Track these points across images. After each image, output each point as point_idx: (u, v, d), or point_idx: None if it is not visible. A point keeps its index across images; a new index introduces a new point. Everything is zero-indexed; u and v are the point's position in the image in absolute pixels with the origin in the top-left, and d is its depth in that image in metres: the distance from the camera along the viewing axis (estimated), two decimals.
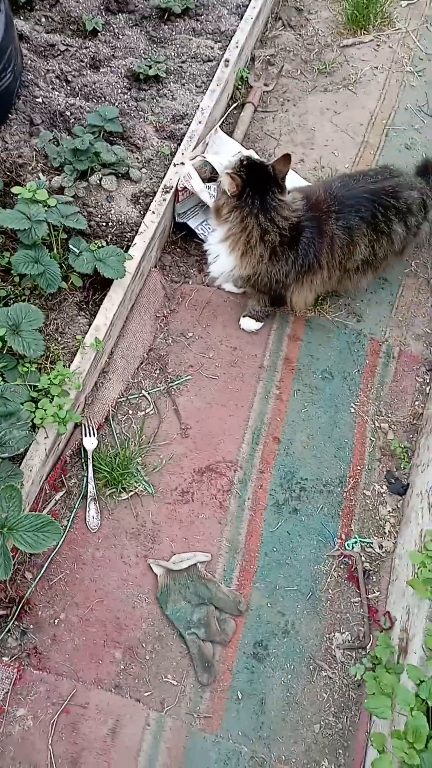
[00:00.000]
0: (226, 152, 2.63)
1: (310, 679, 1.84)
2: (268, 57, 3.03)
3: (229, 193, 1.97)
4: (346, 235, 2.15)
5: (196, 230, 2.47)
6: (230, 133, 2.74)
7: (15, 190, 2.02)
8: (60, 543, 1.92)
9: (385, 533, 2.08)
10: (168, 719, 1.73)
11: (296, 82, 3.02)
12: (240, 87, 2.87)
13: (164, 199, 2.31)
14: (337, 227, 2.13)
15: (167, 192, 2.33)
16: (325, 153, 2.81)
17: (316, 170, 2.76)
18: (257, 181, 1.98)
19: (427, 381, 2.36)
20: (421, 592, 1.67)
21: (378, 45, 3.18)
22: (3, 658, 1.75)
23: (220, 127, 2.69)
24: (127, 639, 1.82)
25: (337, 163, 2.77)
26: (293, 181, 2.65)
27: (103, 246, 2.14)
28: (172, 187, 2.34)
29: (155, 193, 2.35)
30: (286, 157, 1.98)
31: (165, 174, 2.39)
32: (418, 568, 1.70)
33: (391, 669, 1.71)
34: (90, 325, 2.08)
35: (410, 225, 2.25)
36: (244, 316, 2.35)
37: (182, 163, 2.38)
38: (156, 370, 2.27)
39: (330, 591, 1.97)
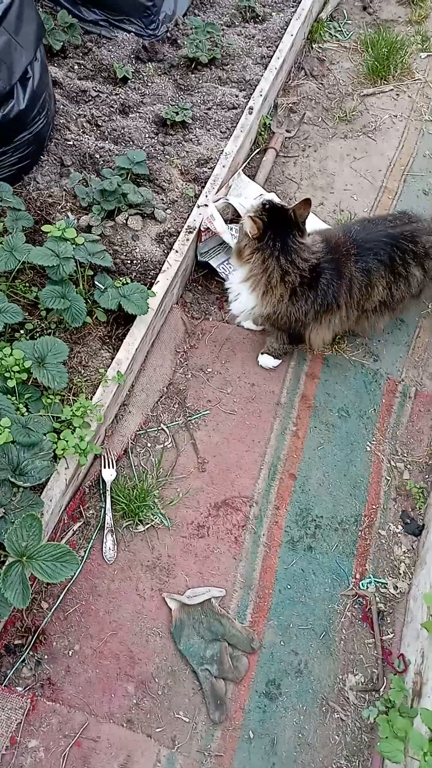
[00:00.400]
0: (248, 195, 2.72)
1: (322, 721, 1.82)
2: (290, 105, 3.14)
3: (251, 236, 2.03)
4: (365, 277, 2.20)
5: (218, 269, 2.54)
6: (252, 177, 2.83)
7: (45, 228, 2.11)
8: (76, 574, 1.94)
9: (400, 574, 2.08)
10: (179, 756, 1.72)
11: (317, 129, 3.12)
12: (263, 133, 2.98)
13: (187, 239, 2.39)
14: (356, 269, 2.19)
15: (190, 232, 2.41)
16: (344, 197, 2.89)
17: (336, 213, 2.83)
18: (278, 224, 2.05)
19: None
20: None
21: (397, 94, 3.29)
22: (17, 688, 1.75)
23: (243, 170, 2.79)
24: (140, 673, 1.82)
25: (356, 207, 2.84)
26: (313, 223, 2.72)
27: (127, 283, 2.21)
28: (196, 227, 2.42)
29: (179, 233, 2.43)
30: (307, 202, 2.05)
31: (189, 215, 2.48)
32: None
33: (405, 712, 1.70)
34: (112, 359, 2.14)
35: (428, 269, 2.30)
36: (262, 353, 2.40)
37: (206, 205, 2.46)
38: (175, 404, 2.31)
39: (344, 631, 1.96)
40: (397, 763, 1.55)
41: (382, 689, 1.88)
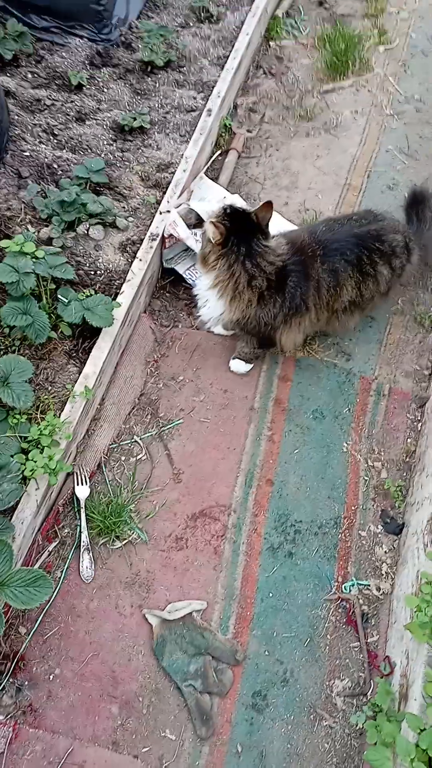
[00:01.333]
0: (211, 198, 2.69)
1: (310, 729, 1.80)
2: (250, 104, 3.11)
3: (213, 242, 2.00)
4: (333, 278, 2.18)
5: (184, 275, 2.51)
6: (215, 179, 2.80)
7: (2, 243, 2.06)
8: (54, 595, 1.89)
9: (383, 574, 2.07)
10: None
11: (278, 127, 3.10)
12: (224, 134, 2.95)
13: (151, 247, 2.35)
14: (323, 270, 2.17)
15: (154, 239, 2.37)
16: (309, 196, 2.87)
17: (301, 212, 2.81)
18: (241, 229, 2.02)
19: (418, 418, 2.37)
20: (418, 637, 1.65)
21: (357, 90, 3.28)
22: None
23: (205, 173, 2.75)
24: (123, 693, 1.79)
25: (320, 205, 2.82)
26: (278, 224, 2.70)
27: (91, 295, 2.17)
28: (159, 234, 2.39)
29: (142, 240, 2.39)
30: (268, 204, 2.03)
31: (151, 222, 2.44)
32: (415, 612, 1.68)
33: (392, 717, 1.68)
34: (80, 374, 2.10)
35: (395, 267, 2.29)
36: (233, 358, 2.37)
37: (168, 211, 2.43)
38: (147, 415, 2.27)
39: (328, 636, 1.94)
40: None
41: (369, 693, 1.87)
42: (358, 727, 1.80)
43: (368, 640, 1.95)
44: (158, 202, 2.50)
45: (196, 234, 2.47)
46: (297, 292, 2.14)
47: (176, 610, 1.89)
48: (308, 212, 2.80)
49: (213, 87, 2.89)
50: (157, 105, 2.84)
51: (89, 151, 2.63)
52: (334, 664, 1.90)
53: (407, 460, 2.28)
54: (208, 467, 2.18)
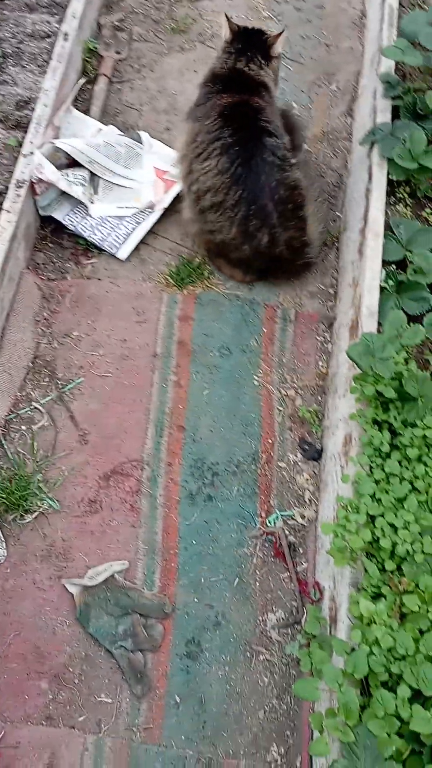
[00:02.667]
0: (84, 133, 2.48)
1: (248, 667, 1.80)
2: (116, 23, 2.84)
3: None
4: None
5: (64, 221, 2.32)
6: (86, 111, 2.57)
7: None
8: None
9: (306, 502, 2.05)
10: (107, 739, 1.66)
11: (150, 45, 2.85)
12: (90, 59, 2.69)
13: (18, 195, 2.15)
14: None
15: (20, 187, 2.17)
16: None
17: None
18: (249, 43, 2.20)
19: (328, 339, 2.31)
20: (338, 561, 1.63)
21: None
22: None
23: (72, 105, 2.52)
24: (51, 667, 1.74)
25: (179, 121, 2.62)
26: (161, 152, 2.52)
27: None
28: (26, 180, 2.18)
29: (8, 190, 2.18)
30: (280, 34, 2.20)
31: (15, 168, 2.22)
32: (332, 538, 1.66)
33: (324, 642, 1.68)
34: None
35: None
36: None
37: (31, 153, 2.21)
38: (45, 378, 2.14)
39: (257, 572, 1.92)
40: (315, 700, 1.53)
41: (303, 621, 1.87)
42: (294, 657, 1.81)
43: (298, 569, 1.94)
44: (21, 144, 2.27)
45: (68, 175, 2.28)
46: None
47: (97, 575, 1.83)
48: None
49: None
50: (8, 35, 2.55)
51: None
52: (265, 598, 1.89)
53: (321, 383, 2.23)
54: (115, 423, 2.08)
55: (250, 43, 2.20)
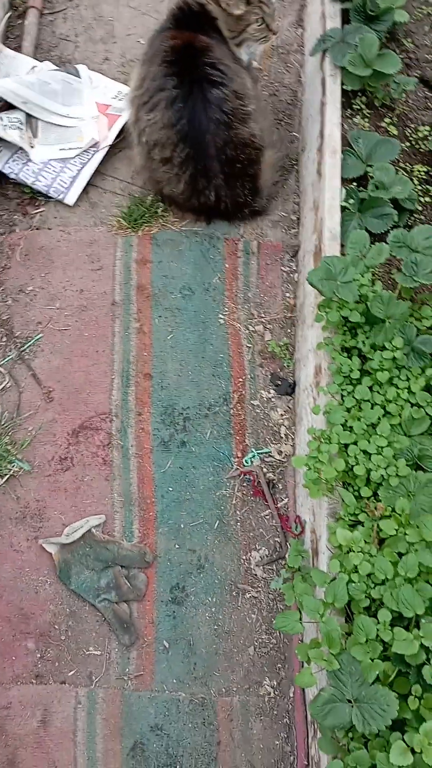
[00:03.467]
0: (17, 71, 2.31)
1: (235, 606, 1.80)
2: None
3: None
4: None
5: (5, 170, 2.19)
6: (17, 48, 2.39)
7: None
8: None
9: (282, 438, 2.00)
10: (99, 690, 1.67)
11: None
12: None
13: None
14: None
15: None
16: (130, 44, 2.50)
17: (125, 66, 2.46)
18: None
19: (294, 269, 2.22)
20: (313, 494, 1.60)
21: None
22: None
23: (3, 44, 2.35)
24: (37, 626, 1.73)
25: (139, 55, 2.45)
26: (103, 84, 2.36)
27: None
28: None
29: None
30: None
31: None
32: (305, 471, 1.62)
33: (307, 575, 1.67)
34: None
35: None
36: None
37: None
38: (2, 337, 2.06)
39: (238, 513, 1.90)
40: (298, 633, 1.52)
41: (286, 556, 1.86)
42: (280, 591, 1.80)
43: (278, 505, 1.92)
44: None
45: (2, 119, 2.14)
46: None
47: (74, 532, 1.80)
48: (133, 63, 2.44)
49: None
50: None
51: None
52: (248, 537, 1.87)
53: (290, 315, 2.15)
54: (80, 378, 2.01)
55: None
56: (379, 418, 1.61)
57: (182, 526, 1.86)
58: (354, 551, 1.45)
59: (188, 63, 1.92)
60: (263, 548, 1.87)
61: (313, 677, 1.42)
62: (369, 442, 1.58)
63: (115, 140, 2.27)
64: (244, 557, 1.85)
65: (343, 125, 2.04)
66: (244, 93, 1.98)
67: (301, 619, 1.50)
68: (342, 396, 1.67)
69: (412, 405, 1.61)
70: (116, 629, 1.73)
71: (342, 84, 2.08)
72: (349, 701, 1.29)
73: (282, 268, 2.21)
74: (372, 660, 1.35)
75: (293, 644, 1.75)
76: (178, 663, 1.72)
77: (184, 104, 1.91)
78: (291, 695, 1.70)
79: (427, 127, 2.06)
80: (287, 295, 2.17)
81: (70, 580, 1.76)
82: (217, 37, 1.99)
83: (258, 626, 1.78)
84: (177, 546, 1.84)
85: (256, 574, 1.84)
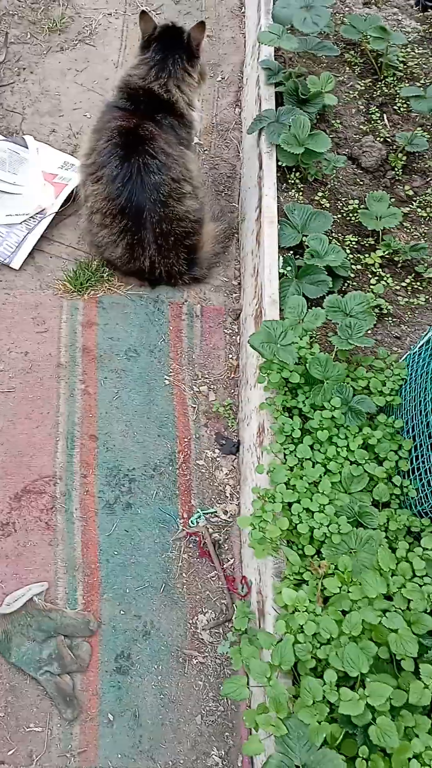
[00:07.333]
0: None
1: (181, 673, 1.76)
2: None
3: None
4: None
5: None
6: None
7: None
8: None
9: (227, 497, 2.02)
10: None
11: (28, 46, 2.76)
12: None
13: None
14: None
15: None
16: (76, 117, 2.60)
17: (71, 138, 2.55)
18: (170, 43, 2.07)
19: (236, 331, 2.29)
20: (258, 554, 1.61)
21: None
22: None
23: None
24: None
25: (91, 125, 2.56)
26: (49, 155, 2.44)
27: None
28: None
29: None
30: (201, 25, 2.06)
31: None
32: (250, 531, 1.63)
33: (253, 637, 1.66)
34: None
35: None
36: None
37: None
38: None
39: (184, 575, 1.88)
40: (244, 699, 1.50)
41: (233, 618, 1.84)
42: (227, 656, 1.78)
43: (224, 566, 1.91)
44: None
45: None
46: None
47: (15, 601, 1.75)
48: (79, 136, 2.54)
49: None
50: None
51: None
52: (194, 600, 1.85)
53: (233, 376, 2.21)
54: (23, 440, 1.99)
55: (168, 48, 2.06)
56: (320, 476, 1.65)
57: (127, 590, 1.83)
58: (299, 611, 1.46)
59: (132, 148, 2.03)
60: (210, 611, 1.85)
61: (261, 744, 1.40)
62: (311, 500, 1.62)
63: (61, 207, 2.33)
64: (190, 621, 1.82)
65: (279, 198, 2.16)
66: (183, 176, 2.10)
67: (248, 683, 1.49)
68: (285, 455, 1.71)
69: (351, 462, 1.67)
70: (58, 703, 1.66)
71: (278, 160, 2.22)
72: (298, 767, 1.27)
73: (225, 330, 2.28)
74: (319, 723, 1.34)
75: (241, 710, 1.72)
76: (124, 736, 1.66)
77: (124, 184, 2.03)
78: (239, 765, 1.65)
79: (357, 201, 2.20)
80: (230, 356, 2.24)
81: (10, 653, 1.69)
82: (166, 122, 2.10)
83: (205, 693, 1.74)
84: (122, 612, 1.80)
85: (203, 639, 1.81)
